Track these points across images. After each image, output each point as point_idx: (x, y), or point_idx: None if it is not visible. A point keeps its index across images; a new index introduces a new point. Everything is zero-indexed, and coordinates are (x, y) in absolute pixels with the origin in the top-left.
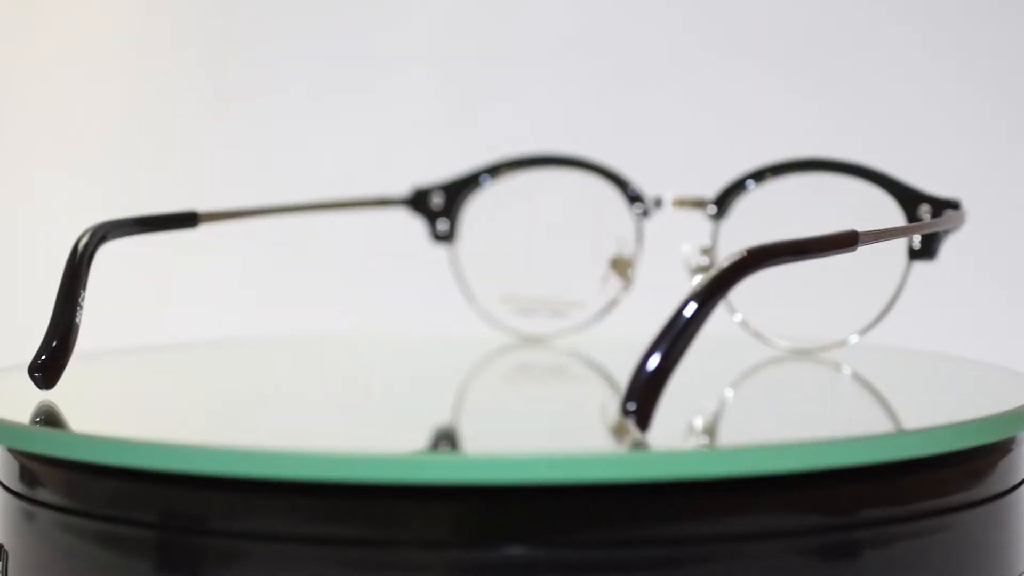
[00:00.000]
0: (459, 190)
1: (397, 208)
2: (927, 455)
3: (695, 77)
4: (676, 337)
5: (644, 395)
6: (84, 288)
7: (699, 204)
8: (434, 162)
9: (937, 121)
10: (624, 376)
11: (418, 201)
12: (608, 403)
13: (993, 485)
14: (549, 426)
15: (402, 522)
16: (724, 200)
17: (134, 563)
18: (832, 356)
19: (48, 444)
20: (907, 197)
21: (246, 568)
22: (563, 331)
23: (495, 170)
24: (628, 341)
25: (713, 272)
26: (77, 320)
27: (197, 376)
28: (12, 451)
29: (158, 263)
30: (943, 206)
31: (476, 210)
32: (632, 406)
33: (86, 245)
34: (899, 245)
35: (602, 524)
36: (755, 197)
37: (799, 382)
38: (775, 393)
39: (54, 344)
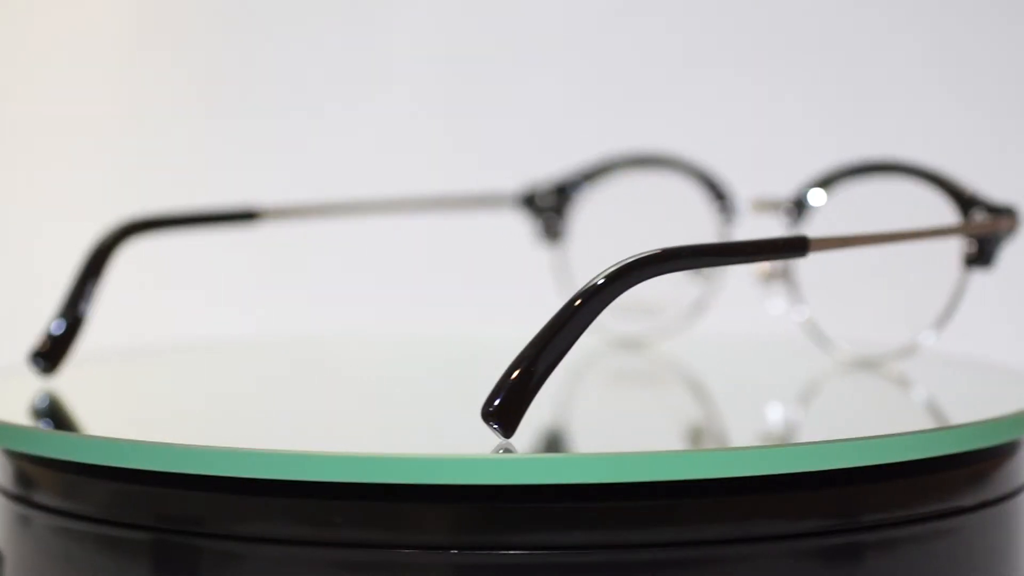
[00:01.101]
0: (569, 190)
1: (505, 207)
2: (930, 457)
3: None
4: (551, 337)
5: (508, 396)
6: (95, 278)
7: (776, 206)
8: (434, 162)
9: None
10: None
11: (530, 200)
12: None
13: (997, 488)
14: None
15: (402, 523)
16: (800, 202)
17: (131, 566)
18: (832, 357)
19: (43, 445)
20: (964, 201)
21: (245, 570)
22: (655, 332)
23: (603, 170)
24: (718, 343)
25: (602, 272)
26: (86, 310)
27: (212, 376)
28: (8, 454)
29: (205, 257)
30: (995, 211)
31: (582, 210)
32: (493, 407)
33: (114, 236)
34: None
35: (602, 526)
36: (830, 199)
37: (800, 383)
38: (776, 394)
39: (60, 331)
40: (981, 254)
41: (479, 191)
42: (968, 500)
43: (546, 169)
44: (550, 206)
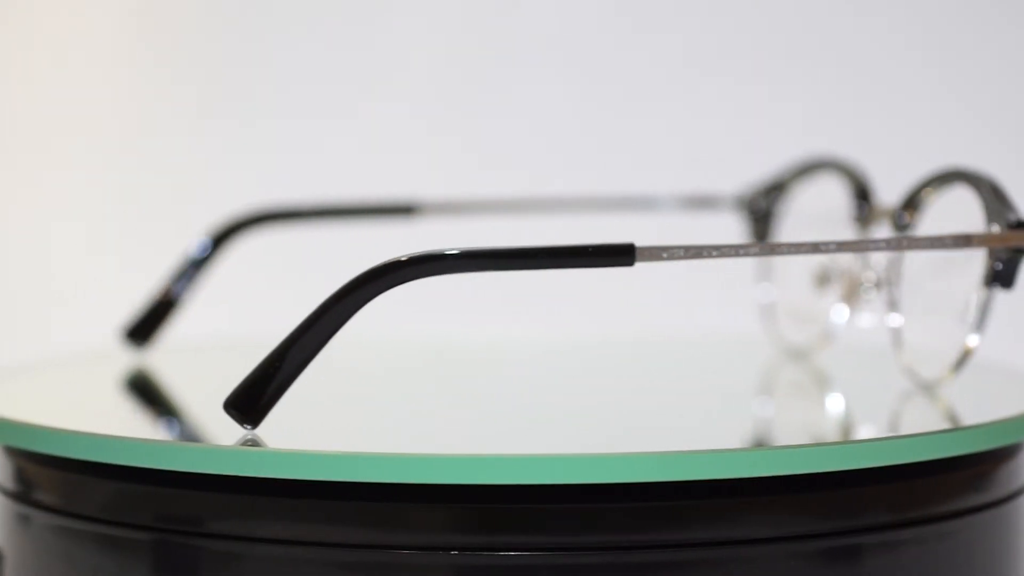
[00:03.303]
0: (778, 192)
1: (722, 208)
2: (931, 460)
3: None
4: (300, 336)
5: (245, 388)
6: (197, 267)
7: (891, 215)
8: (434, 162)
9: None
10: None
11: (748, 202)
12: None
13: (997, 490)
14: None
15: (402, 523)
16: (912, 208)
17: (131, 566)
18: (833, 358)
19: (43, 442)
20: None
21: (245, 570)
22: (819, 341)
23: (801, 172)
24: (720, 343)
25: (362, 272)
26: (182, 293)
27: (213, 376)
28: (8, 453)
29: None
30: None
31: (784, 213)
32: (229, 398)
33: (231, 228)
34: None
35: (603, 526)
36: (936, 206)
37: (802, 383)
38: (777, 395)
39: (151, 310)
40: (1001, 272)
41: (694, 192)
42: (969, 502)
43: (548, 169)
44: (762, 208)
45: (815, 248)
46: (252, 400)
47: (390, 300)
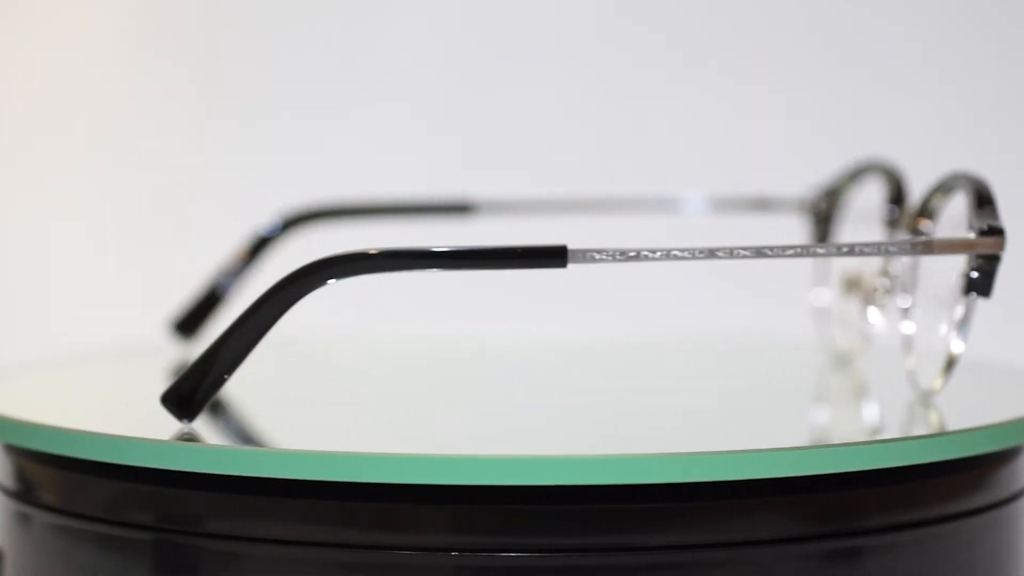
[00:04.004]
0: (834, 195)
1: (787, 210)
2: (930, 462)
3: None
4: (234, 331)
5: (180, 383)
6: (246, 263)
7: (907, 221)
8: (433, 161)
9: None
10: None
11: (810, 205)
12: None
13: (997, 491)
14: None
15: (402, 523)
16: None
17: (131, 565)
18: (835, 358)
19: (45, 441)
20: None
21: (245, 570)
22: (857, 345)
23: (853, 176)
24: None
25: (289, 273)
26: (229, 287)
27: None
28: (8, 452)
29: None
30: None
31: (843, 216)
32: (165, 392)
33: (301, 216)
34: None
35: (603, 527)
36: (950, 210)
37: (802, 384)
38: (778, 395)
39: (198, 303)
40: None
41: (755, 193)
42: (969, 504)
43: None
44: (822, 211)
45: (759, 253)
46: (188, 395)
47: (393, 298)
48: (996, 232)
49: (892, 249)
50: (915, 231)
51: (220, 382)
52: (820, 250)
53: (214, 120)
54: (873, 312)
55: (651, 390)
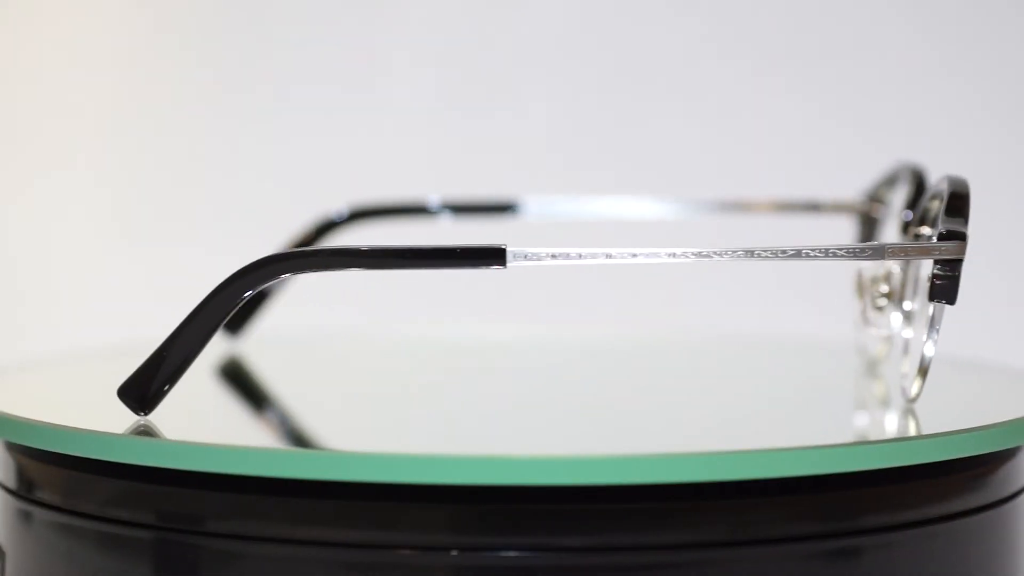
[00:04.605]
0: (879, 198)
1: (835, 213)
2: (929, 462)
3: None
4: (182, 330)
5: (134, 378)
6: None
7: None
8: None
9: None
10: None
11: (859, 208)
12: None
13: (995, 491)
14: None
15: (402, 523)
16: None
17: (132, 564)
18: (839, 361)
19: (46, 439)
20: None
21: (245, 569)
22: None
23: (888, 180)
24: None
25: (232, 273)
26: (273, 286)
27: (216, 375)
28: (10, 450)
29: None
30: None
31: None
32: (120, 386)
33: (354, 214)
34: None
35: (602, 527)
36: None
37: (803, 385)
38: (778, 396)
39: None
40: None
41: (811, 197)
42: (968, 503)
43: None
44: (867, 213)
45: (701, 256)
46: (142, 389)
47: (393, 298)
48: (956, 237)
49: (839, 253)
50: (916, 236)
51: (175, 378)
52: (764, 253)
53: (216, 120)
54: (873, 316)
55: (651, 390)
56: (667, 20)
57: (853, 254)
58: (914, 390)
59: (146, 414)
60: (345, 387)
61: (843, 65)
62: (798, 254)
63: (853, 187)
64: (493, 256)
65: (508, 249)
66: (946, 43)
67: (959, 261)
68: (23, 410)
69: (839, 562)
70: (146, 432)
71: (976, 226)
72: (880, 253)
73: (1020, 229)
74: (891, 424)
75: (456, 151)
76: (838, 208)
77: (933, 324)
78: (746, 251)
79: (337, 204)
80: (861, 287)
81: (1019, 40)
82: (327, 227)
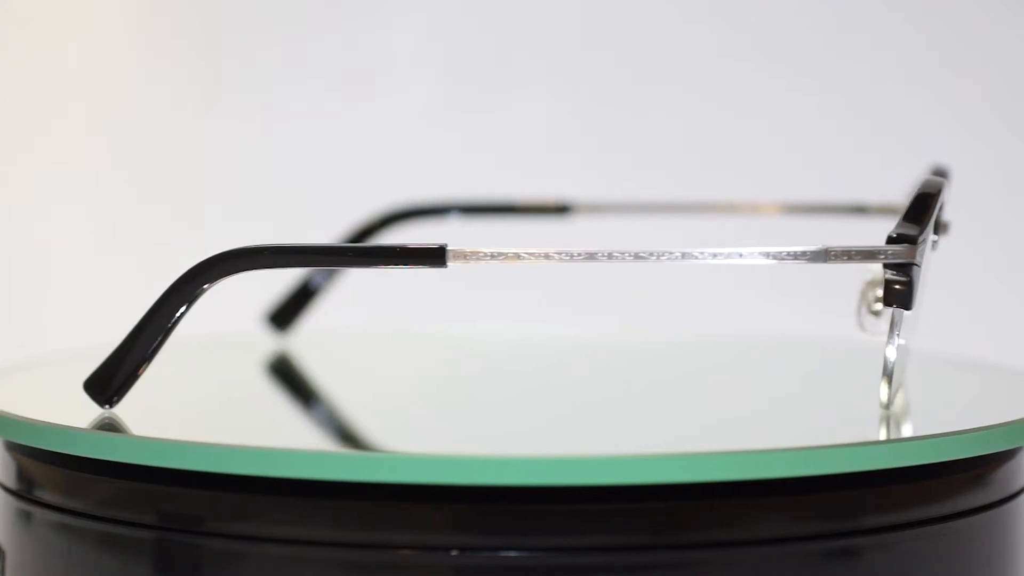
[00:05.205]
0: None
1: (881, 216)
2: (929, 463)
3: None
4: (144, 326)
5: (98, 372)
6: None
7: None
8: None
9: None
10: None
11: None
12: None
13: (995, 491)
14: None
15: (402, 523)
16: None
17: (132, 563)
18: (840, 362)
19: (46, 439)
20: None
21: (245, 569)
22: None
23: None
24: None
25: (185, 271)
26: (321, 283)
27: (217, 374)
28: (10, 450)
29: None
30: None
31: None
32: (86, 380)
33: (399, 214)
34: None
35: (602, 527)
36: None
37: (803, 385)
38: (778, 396)
39: (291, 298)
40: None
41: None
42: (968, 503)
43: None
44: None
45: (637, 257)
46: (106, 383)
47: (393, 298)
48: (905, 240)
49: (785, 256)
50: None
51: (137, 372)
52: (700, 255)
53: (215, 120)
54: (868, 321)
55: (652, 390)
56: (667, 20)
57: (794, 256)
58: (882, 395)
59: (110, 407)
60: (344, 387)
61: (848, 64)
62: (741, 256)
63: (854, 187)
64: (433, 256)
65: (448, 248)
66: (946, 43)
67: (911, 265)
68: (23, 410)
69: (839, 562)
70: (111, 426)
71: (977, 226)
72: (822, 256)
73: (1020, 229)
74: (891, 425)
75: (456, 151)
76: (883, 211)
77: (892, 329)
78: (682, 253)
79: (337, 204)
80: (862, 292)
81: (1019, 40)
82: (380, 224)
